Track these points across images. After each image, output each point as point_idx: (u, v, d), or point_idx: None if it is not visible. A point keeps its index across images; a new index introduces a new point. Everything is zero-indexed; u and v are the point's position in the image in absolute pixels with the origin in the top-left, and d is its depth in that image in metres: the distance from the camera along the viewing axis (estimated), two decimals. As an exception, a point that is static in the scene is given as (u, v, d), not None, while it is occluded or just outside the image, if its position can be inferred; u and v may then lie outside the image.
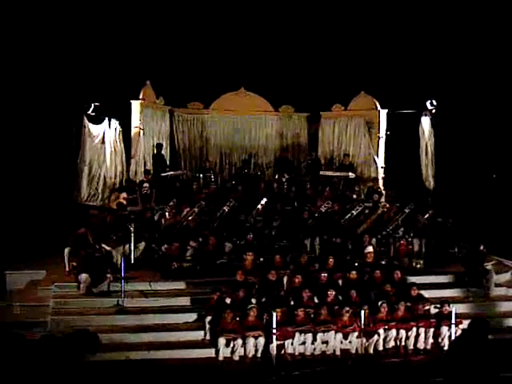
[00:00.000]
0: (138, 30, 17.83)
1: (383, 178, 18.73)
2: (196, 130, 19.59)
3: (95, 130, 17.14)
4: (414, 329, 12.78)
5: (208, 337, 12.61)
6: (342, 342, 12.72)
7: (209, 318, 12.65)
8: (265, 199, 16.02)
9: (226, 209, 15.78)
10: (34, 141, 16.65)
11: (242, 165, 18.89)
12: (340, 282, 13.93)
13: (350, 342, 12.72)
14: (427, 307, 13.20)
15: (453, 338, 12.26)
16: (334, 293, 13.24)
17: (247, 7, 18.50)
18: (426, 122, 18.84)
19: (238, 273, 13.51)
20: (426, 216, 16.23)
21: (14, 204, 15.90)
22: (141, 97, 17.91)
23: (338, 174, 18.40)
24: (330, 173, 18.59)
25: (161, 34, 18.14)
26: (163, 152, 18.46)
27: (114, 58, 17.46)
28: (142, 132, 17.80)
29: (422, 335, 12.83)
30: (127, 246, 14.56)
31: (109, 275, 13.56)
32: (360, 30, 18.84)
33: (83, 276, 13.41)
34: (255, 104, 19.77)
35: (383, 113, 18.98)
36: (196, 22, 18.50)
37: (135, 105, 17.80)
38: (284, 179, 17.77)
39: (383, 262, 14.77)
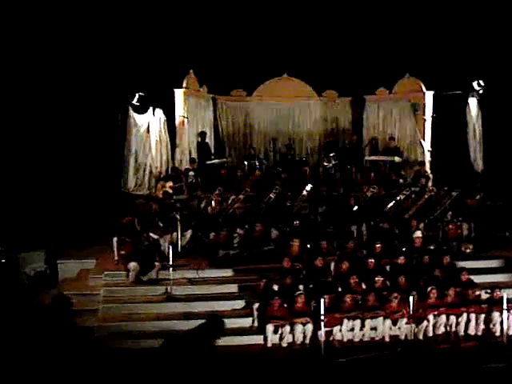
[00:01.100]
0: (180, 18, 17.83)
1: (430, 162, 18.43)
2: (240, 118, 19.59)
3: (140, 120, 17.29)
4: (465, 314, 12.62)
5: (256, 324, 12.65)
6: (391, 329, 12.63)
7: (256, 305, 12.70)
8: (310, 185, 15.93)
9: (271, 196, 15.75)
10: (81, 132, 16.86)
11: (286, 151, 18.82)
12: (388, 267, 13.84)
13: (399, 328, 12.63)
14: (477, 292, 13.01)
15: (505, 323, 12.07)
16: (381, 279, 13.15)
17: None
18: (473, 103, 18.49)
19: (285, 259, 13.52)
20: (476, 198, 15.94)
21: (64, 195, 16.16)
22: (184, 86, 17.97)
23: (383, 158, 18.19)
24: (375, 157, 18.41)
25: (203, 22, 18.11)
26: (207, 140, 18.53)
27: (157, 48, 17.52)
28: (186, 121, 17.87)
29: (473, 321, 12.64)
30: (174, 234, 14.65)
31: (157, 263, 13.72)
32: (404, 10, 18.48)
33: (132, 264, 13.61)
34: (298, 89, 19.65)
35: (429, 95, 18.67)
36: (238, 8, 18.40)
37: (179, 94, 17.88)
38: (331, 164, 17.63)
39: (432, 247, 14.58)
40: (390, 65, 18.67)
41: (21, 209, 15.32)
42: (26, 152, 16.34)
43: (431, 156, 18.51)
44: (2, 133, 16.12)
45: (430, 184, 17.26)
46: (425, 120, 18.60)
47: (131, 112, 17.07)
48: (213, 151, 18.67)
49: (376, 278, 13.12)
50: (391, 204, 15.69)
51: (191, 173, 17.00)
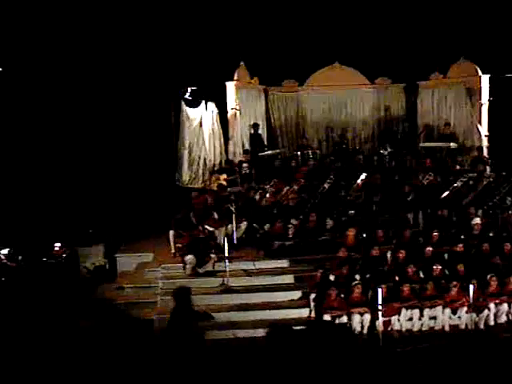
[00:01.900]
0: (230, 10, 17.86)
1: (487, 147, 18.00)
2: (292, 108, 19.51)
3: (192, 113, 17.40)
4: (527, 302, 12.34)
5: (313, 314, 12.64)
6: (450, 318, 12.46)
7: (313, 296, 12.68)
8: (364, 174, 15.77)
9: (325, 186, 15.66)
10: (136, 127, 17.10)
11: (339, 140, 18.68)
12: (446, 255, 13.61)
13: (459, 317, 12.44)
14: (540, 280, 12.67)
15: None
16: (440, 267, 12.96)
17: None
18: (530, 86, 17.94)
19: (341, 249, 13.46)
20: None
21: (121, 190, 16.44)
22: (235, 78, 18.01)
23: (439, 144, 17.85)
24: (430, 144, 18.09)
25: (253, 13, 18.10)
26: (260, 131, 18.54)
27: (207, 41, 17.60)
28: (238, 113, 17.91)
29: (536, 309, 12.36)
30: (229, 226, 14.74)
31: (213, 255, 13.84)
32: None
33: (188, 257, 13.75)
34: (350, 78, 19.43)
35: (485, 78, 18.21)
36: (285, 0, 18.34)
37: (230, 86, 17.92)
38: (386, 152, 17.41)
39: (491, 234, 14.27)
40: (443, 49, 18.27)
41: (80, 204, 15.66)
42: (85, 148, 16.67)
43: (488, 141, 18.07)
44: (60, 130, 16.49)
45: (488, 170, 16.87)
46: (481, 104, 18.15)
47: (184, 106, 17.19)
48: (266, 142, 18.66)
49: (434, 267, 12.94)
50: (448, 191, 15.38)
51: (245, 165, 17.03)
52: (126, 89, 17.12)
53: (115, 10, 16.86)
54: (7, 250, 13.94)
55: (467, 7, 17.88)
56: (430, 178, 15.77)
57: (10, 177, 15.66)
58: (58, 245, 14.32)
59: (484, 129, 18.17)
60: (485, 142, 18.05)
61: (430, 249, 13.41)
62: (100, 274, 14.52)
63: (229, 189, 15.98)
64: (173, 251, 14.49)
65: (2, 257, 13.72)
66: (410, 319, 12.45)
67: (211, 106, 17.67)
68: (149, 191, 16.49)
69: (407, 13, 18.38)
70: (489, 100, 18.11)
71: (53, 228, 14.59)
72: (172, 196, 16.23)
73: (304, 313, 12.77)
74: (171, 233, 14.52)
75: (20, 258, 13.94)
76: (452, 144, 17.72)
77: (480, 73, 18.24)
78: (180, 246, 14.23)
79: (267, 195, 15.72)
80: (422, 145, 18.19)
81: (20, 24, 16.12)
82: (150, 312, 12.84)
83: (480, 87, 18.19)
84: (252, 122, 18.50)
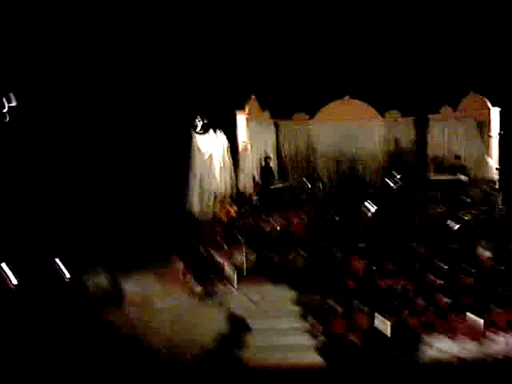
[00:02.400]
0: (242, 43, 18.13)
1: (498, 180, 18.00)
2: (302, 141, 19.70)
3: (204, 145, 17.55)
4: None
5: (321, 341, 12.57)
6: (458, 350, 12.31)
7: (320, 326, 12.64)
8: (374, 207, 15.80)
9: (335, 217, 15.70)
10: (147, 154, 17.23)
11: (349, 172, 18.77)
12: (455, 288, 13.52)
13: (466, 350, 12.30)
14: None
15: None
16: (448, 300, 12.87)
17: (346, 15, 18.41)
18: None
19: (350, 281, 13.43)
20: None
21: (129, 215, 16.48)
22: (246, 111, 18.21)
23: (449, 177, 17.88)
24: (440, 177, 18.11)
25: (264, 47, 18.37)
26: (271, 164, 18.67)
27: (218, 73, 17.84)
28: (249, 146, 18.08)
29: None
30: (239, 256, 14.77)
31: (222, 284, 13.85)
32: (466, 28, 18.27)
33: (197, 285, 13.78)
34: (360, 111, 19.62)
35: (495, 111, 18.29)
36: (297, 32, 18.60)
37: (241, 119, 18.14)
38: (394, 185, 17.43)
39: (501, 268, 14.16)
40: (453, 83, 18.43)
41: (85, 228, 15.69)
42: (96, 170, 16.76)
43: (499, 174, 18.07)
44: (71, 151, 16.62)
45: (499, 202, 16.83)
46: (491, 137, 18.21)
47: (195, 136, 17.36)
48: (276, 175, 18.78)
49: (442, 299, 12.86)
50: (458, 225, 15.34)
51: (255, 197, 17.14)
52: (138, 115, 17.30)
53: (127, 35, 17.11)
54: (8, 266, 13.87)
55: (477, 41, 18.06)
56: (440, 211, 15.75)
57: (18, 193, 15.70)
58: (63, 267, 14.26)
59: (494, 162, 18.19)
60: (495, 175, 18.06)
61: (439, 281, 13.33)
62: (105, 297, 14.48)
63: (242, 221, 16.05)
64: (181, 280, 14.50)
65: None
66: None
67: (222, 137, 17.83)
68: (159, 218, 16.52)
69: (417, 47, 18.59)
70: (499, 134, 18.16)
71: (58, 249, 14.54)
72: (182, 224, 16.26)
73: (310, 341, 12.68)
74: (180, 261, 14.56)
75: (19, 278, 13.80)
76: (462, 177, 17.75)
77: (490, 106, 18.33)
78: (188, 274, 14.26)
79: (277, 227, 15.75)
80: (432, 178, 18.21)
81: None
82: (157, 341, 12.82)
83: (490, 120, 18.25)
84: (263, 155, 18.65)
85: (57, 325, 12.43)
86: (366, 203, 15.79)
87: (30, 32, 16.17)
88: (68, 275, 13.98)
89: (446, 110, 19.21)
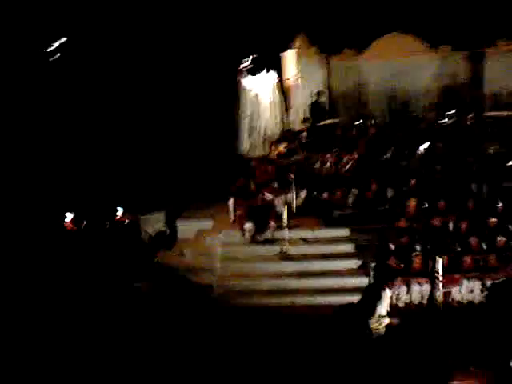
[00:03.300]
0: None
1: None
2: (352, 77, 19.22)
3: (250, 83, 17.36)
4: None
5: (372, 282, 12.56)
6: (513, 289, 12.18)
7: (373, 265, 12.60)
8: (427, 143, 15.48)
9: (388, 155, 15.47)
10: (197, 96, 17.18)
11: (401, 108, 18.36)
12: (510, 227, 13.29)
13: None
14: None
15: None
16: (504, 238, 12.67)
17: None
18: None
19: (402, 219, 13.31)
20: None
21: (182, 158, 16.59)
22: (296, 46, 17.85)
23: (505, 113, 17.34)
24: (496, 113, 17.59)
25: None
26: (322, 100, 18.36)
27: (268, 10, 17.47)
28: (299, 81, 17.79)
29: None
30: (289, 194, 14.74)
31: (272, 223, 13.89)
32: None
33: (248, 224, 13.87)
34: (412, 45, 18.96)
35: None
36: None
37: (291, 54, 17.80)
38: (450, 121, 16.99)
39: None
40: (509, 14, 17.64)
41: (142, 172, 15.90)
42: (149, 118, 16.86)
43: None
44: (127, 99, 16.74)
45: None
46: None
47: (242, 76, 17.16)
48: (326, 111, 18.49)
49: (498, 238, 12.66)
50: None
51: (304, 133, 16.96)
52: (187, 59, 17.17)
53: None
54: (72, 214, 14.30)
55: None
56: (495, 148, 15.37)
57: (79, 144, 16.03)
58: (121, 211, 14.60)
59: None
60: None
61: (494, 220, 13.09)
62: (161, 240, 14.74)
63: (292, 158, 15.93)
64: (232, 218, 14.61)
65: (67, 221, 14.10)
66: (472, 291, 12.22)
67: (272, 74, 17.58)
68: (209, 159, 16.59)
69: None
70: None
71: (116, 194, 14.86)
72: (232, 164, 16.30)
73: (363, 282, 12.69)
74: (231, 200, 14.62)
75: (84, 223, 14.29)
76: (518, 112, 17.22)
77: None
78: (240, 213, 14.33)
79: (327, 164, 15.61)
80: (487, 114, 17.69)
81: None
82: (210, 278, 13.02)
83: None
84: (313, 90, 18.34)
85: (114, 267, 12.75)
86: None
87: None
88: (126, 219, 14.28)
89: (503, 43, 18.44)
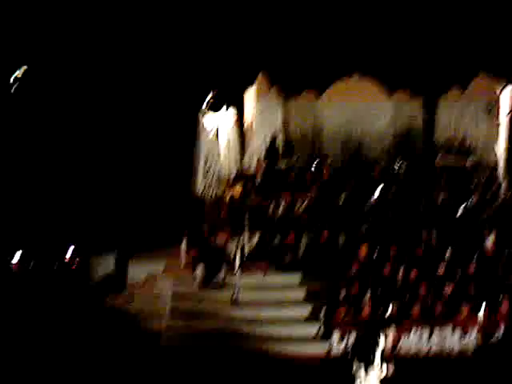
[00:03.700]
0: (252, 20, 17.86)
1: (505, 164, 17.79)
2: (309, 119, 19.43)
3: (210, 123, 17.40)
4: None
5: (322, 330, 12.60)
6: (460, 338, 12.35)
7: (323, 311, 12.65)
8: (380, 188, 15.68)
9: (340, 200, 15.61)
10: (153, 137, 17.15)
11: (356, 152, 18.58)
12: (458, 275, 13.49)
13: (468, 337, 12.32)
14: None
15: None
16: (451, 287, 12.85)
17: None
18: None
19: (353, 266, 13.40)
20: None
21: (134, 200, 16.48)
22: (255, 87, 18.00)
23: (455, 161, 17.69)
24: (446, 161, 17.93)
25: (275, 23, 18.08)
26: (277, 143, 18.50)
27: (228, 49, 17.61)
28: (255, 122, 17.91)
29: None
30: (242, 238, 14.74)
31: (224, 267, 13.84)
32: (478, 6, 17.91)
33: (199, 268, 13.81)
34: (369, 90, 19.26)
35: (505, 94, 18.00)
36: (309, 9, 18.28)
37: (250, 95, 17.93)
38: (401, 167, 17.26)
39: (504, 255, 14.09)
40: (463, 63, 18.10)
41: (93, 214, 15.73)
42: (102, 156, 16.74)
43: (506, 158, 17.86)
44: (80, 137, 16.62)
45: (503, 188, 16.69)
46: (498, 124, 17.96)
47: (201, 116, 17.20)
48: (282, 153, 18.60)
49: (445, 286, 12.85)
50: (463, 209, 15.24)
51: (259, 175, 17.02)
52: (146, 98, 17.18)
53: (139, 17, 16.94)
54: (20, 252, 14.05)
55: (488, 23, 17.71)
56: (445, 195, 15.65)
57: (26, 182, 15.82)
58: (71, 251, 14.41)
59: (502, 145, 17.95)
60: (502, 160, 17.84)
61: (442, 267, 13.30)
62: (111, 282, 14.57)
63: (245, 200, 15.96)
64: (184, 262, 14.53)
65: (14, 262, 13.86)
66: (420, 338, 12.34)
67: (231, 112, 17.65)
68: (163, 199, 16.51)
69: (428, 27, 18.24)
70: (510, 112, 17.84)
71: (66, 235, 14.68)
72: (186, 205, 16.24)
73: (313, 328, 12.72)
74: (183, 244, 14.56)
75: (32, 263, 14.05)
76: (469, 161, 17.56)
77: (500, 89, 18.02)
78: (191, 256, 14.28)
79: (281, 207, 15.67)
80: (438, 161, 18.02)
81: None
82: (159, 323, 12.90)
83: (499, 104, 17.98)
84: (269, 132, 18.48)
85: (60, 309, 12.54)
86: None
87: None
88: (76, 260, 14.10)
89: (456, 91, 18.88)
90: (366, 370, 9.91)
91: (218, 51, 17.37)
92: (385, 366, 10.05)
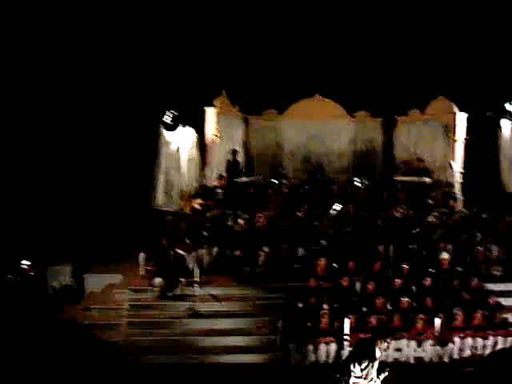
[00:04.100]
0: (213, 39, 18.06)
1: (461, 184, 18.18)
2: (270, 137, 19.59)
3: (171, 138, 17.44)
4: (492, 338, 12.41)
5: (280, 342, 12.61)
6: (415, 350, 12.48)
7: (281, 323, 12.66)
8: (339, 205, 15.86)
9: (299, 214, 15.73)
10: (112, 149, 17.13)
11: (315, 170, 18.78)
12: (414, 288, 13.69)
13: (423, 350, 12.46)
14: (505, 315, 12.77)
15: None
16: (407, 299, 13.02)
17: (320, 15, 18.44)
18: (505, 125, 18.21)
19: (311, 278, 13.49)
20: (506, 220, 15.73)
21: (93, 210, 16.39)
22: (216, 105, 18.12)
23: (413, 179, 18.02)
24: (405, 178, 18.26)
25: (236, 43, 18.31)
26: (238, 159, 18.60)
27: (189, 67, 17.75)
28: (217, 139, 17.99)
29: (500, 344, 12.43)
30: (201, 250, 14.73)
31: (182, 279, 13.80)
32: (437, 32, 18.43)
33: (157, 280, 13.74)
34: (330, 110, 19.56)
35: (461, 116, 18.46)
36: (270, 29, 18.57)
37: (210, 113, 18.03)
38: (361, 185, 17.50)
39: (460, 269, 14.36)
40: (422, 85, 18.56)
41: (49, 223, 15.57)
42: (58, 168, 16.64)
43: (462, 178, 18.26)
44: (38, 147, 16.49)
45: (459, 206, 17.05)
46: (456, 141, 18.38)
47: (162, 130, 17.24)
48: (243, 170, 18.71)
49: (402, 299, 13.01)
50: (420, 224, 15.51)
51: (219, 190, 17.08)
52: (107, 112, 17.18)
53: (97, 32, 16.99)
54: None
55: (446, 48, 18.23)
56: (402, 212, 15.90)
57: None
58: (26, 263, 14.21)
59: (458, 165, 18.36)
60: (458, 179, 18.23)
61: (399, 281, 13.46)
62: (67, 293, 14.39)
63: (207, 214, 15.96)
64: (142, 273, 14.43)
65: None
66: (376, 350, 12.41)
67: (190, 131, 17.74)
68: (122, 212, 16.45)
69: (387, 49, 18.69)
70: (465, 139, 18.30)
71: (22, 245, 14.47)
72: (145, 219, 16.19)
73: (271, 340, 12.73)
74: (141, 255, 14.48)
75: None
76: (426, 179, 17.90)
77: (457, 111, 18.48)
78: (150, 268, 14.20)
79: (240, 221, 15.72)
80: (396, 178, 18.33)
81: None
82: (117, 334, 12.75)
83: (456, 125, 18.41)
84: (230, 149, 18.58)
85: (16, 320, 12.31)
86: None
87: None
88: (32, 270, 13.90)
89: (414, 113, 19.31)
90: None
91: (177, 70, 17.51)
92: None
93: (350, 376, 9.08)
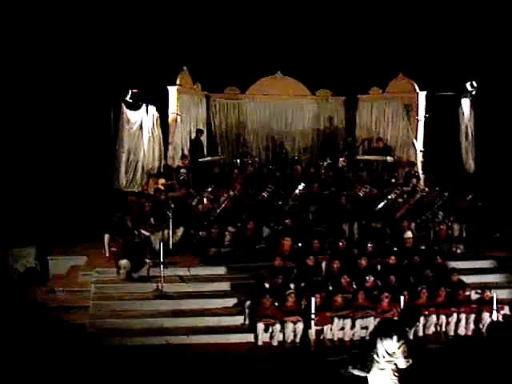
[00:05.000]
0: (174, 15, 17.81)
1: (422, 162, 18.44)
2: (233, 116, 19.51)
3: (133, 116, 17.21)
4: (455, 315, 12.71)
5: (247, 322, 12.68)
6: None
7: (248, 303, 12.72)
8: (303, 184, 15.92)
9: (264, 194, 15.75)
10: (73, 128, 16.85)
11: (279, 149, 18.81)
12: (379, 267, 13.88)
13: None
14: (468, 293, 13.07)
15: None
16: (372, 278, 13.20)
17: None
18: (466, 104, 18.50)
19: (277, 258, 13.55)
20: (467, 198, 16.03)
21: (55, 191, 16.14)
22: (178, 83, 17.92)
23: (376, 157, 18.21)
24: (367, 157, 18.44)
25: (197, 19, 18.10)
26: (202, 138, 18.47)
27: (150, 45, 17.49)
28: (179, 118, 17.82)
29: (463, 321, 12.73)
30: (166, 231, 14.64)
31: (148, 260, 13.73)
32: (399, 10, 18.49)
33: (123, 261, 13.61)
34: (292, 88, 19.58)
35: (422, 95, 18.66)
36: (232, 5, 18.38)
37: (172, 91, 17.80)
38: (325, 163, 17.59)
39: (423, 247, 14.61)
40: (383, 64, 18.66)
41: (12, 205, 15.30)
42: (18, 148, 16.32)
43: (423, 156, 18.52)
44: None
45: (421, 184, 17.30)
46: (417, 120, 18.59)
47: (124, 109, 16.99)
48: (206, 149, 18.61)
49: (367, 278, 13.18)
50: (383, 203, 15.68)
51: (183, 170, 16.96)
52: (66, 88, 16.84)
53: (59, 12, 16.60)
54: None
55: (407, 26, 18.32)
56: (365, 190, 16.06)
57: None
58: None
59: (419, 144, 18.60)
60: (420, 157, 18.49)
61: (364, 260, 13.62)
62: (31, 276, 14.20)
63: (169, 194, 15.87)
64: (107, 255, 14.30)
65: None
66: (342, 329, 12.60)
67: (152, 109, 17.53)
68: (85, 193, 16.24)
69: (349, 27, 18.70)
70: (425, 117, 18.52)
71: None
72: (108, 199, 16.02)
73: (238, 320, 12.78)
74: (106, 236, 14.33)
75: None
76: (388, 158, 18.11)
77: (417, 89, 18.67)
78: (115, 250, 14.07)
79: (204, 201, 15.67)
80: (359, 157, 18.49)
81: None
82: (82, 316, 12.63)
83: (417, 103, 18.61)
84: (193, 128, 18.45)
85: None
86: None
87: None
88: None
89: (375, 91, 19.44)
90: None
91: (138, 49, 17.26)
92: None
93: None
